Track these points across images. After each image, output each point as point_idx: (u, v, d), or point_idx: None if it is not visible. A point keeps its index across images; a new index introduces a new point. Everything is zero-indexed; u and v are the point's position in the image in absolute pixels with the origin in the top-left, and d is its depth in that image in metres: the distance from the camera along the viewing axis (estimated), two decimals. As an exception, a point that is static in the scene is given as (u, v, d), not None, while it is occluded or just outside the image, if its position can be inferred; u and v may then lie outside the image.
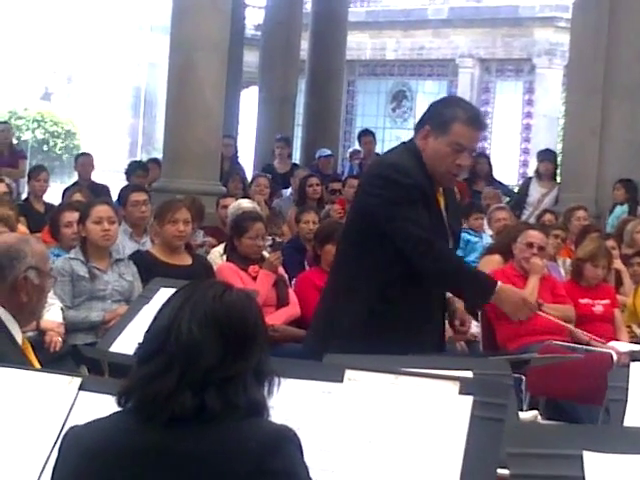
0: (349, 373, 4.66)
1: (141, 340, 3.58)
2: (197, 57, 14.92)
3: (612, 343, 9.97)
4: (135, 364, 3.56)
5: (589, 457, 3.14)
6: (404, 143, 7.22)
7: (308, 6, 26.18)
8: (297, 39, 24.44)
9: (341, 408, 4.44)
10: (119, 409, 3.55)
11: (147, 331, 3.58)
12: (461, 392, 4.52)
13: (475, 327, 10.65)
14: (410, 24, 37.65)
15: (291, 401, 4.29)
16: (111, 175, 18.88)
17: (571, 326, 10.18)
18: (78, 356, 7.94)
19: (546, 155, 18.31)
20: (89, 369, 7.57)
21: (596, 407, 8.44)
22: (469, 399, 4.47)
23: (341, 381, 4.60)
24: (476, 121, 6.61)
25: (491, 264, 11.13)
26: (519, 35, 36.80)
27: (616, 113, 14.79)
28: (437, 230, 6.52)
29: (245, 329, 3.49)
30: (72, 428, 3.65)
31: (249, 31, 29.99)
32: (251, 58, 26.07)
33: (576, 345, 9.80)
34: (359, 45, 35.05)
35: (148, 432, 3.39)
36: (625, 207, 14.45)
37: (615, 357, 9.16)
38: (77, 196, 13.10)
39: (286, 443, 3.39)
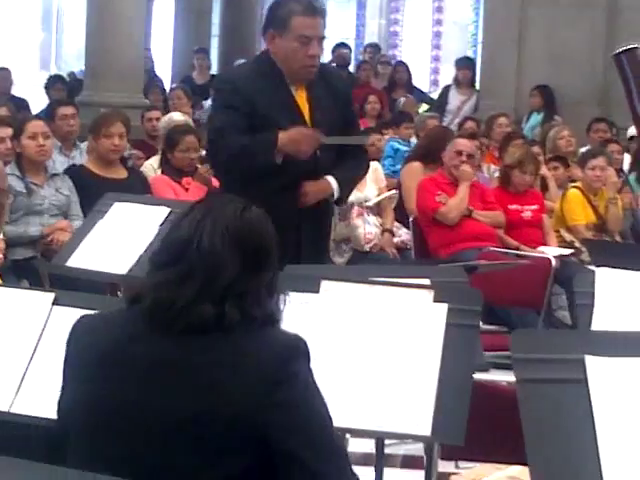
0: (325, 284, 4.70)
1: (157, 248, 3.59)
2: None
3: (541, 248, 10.10)
4: (149, 270, 3.58)
5: (591, 361, 3.19)
6: (260, 54, 7.66)
7: None
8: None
9: (318, 318, 4.48)
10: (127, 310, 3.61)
11: (164, 240, 3.61)
12: (436, 300, 4.58)
13: (405, 234, 10.75)
14: None
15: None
16: (25, 90, 18.61)
17: (500, 232, 10.33)
18: (18, 271, 8.03)
19: (464, 62, 18.30)
20: (30, 283, 7.64)
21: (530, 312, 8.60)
22: (444, 307, 4.53)
23: (317, 292, 4.64)
24: (312, 9, 6.74)
25: (412, 171, 11.23)
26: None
27: (535, 21, 14.81)
28: (282, 123, 6.57)
29: (262, 246, 3.53)
30: (81, 320, 3.65)
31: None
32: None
33: (510, 251, 9.92)
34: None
35: (164, 341, 3.42)
36: (540, 115, 14.56)
37: (554, 262, 9.29)
38: (3, 110, 12.83)
39: (297, 352, 3.44)
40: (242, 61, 19.80)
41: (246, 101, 6.56)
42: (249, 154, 6.53)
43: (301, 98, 6.68)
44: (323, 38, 6.85)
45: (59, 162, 9.88)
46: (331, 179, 6.76)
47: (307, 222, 6.66)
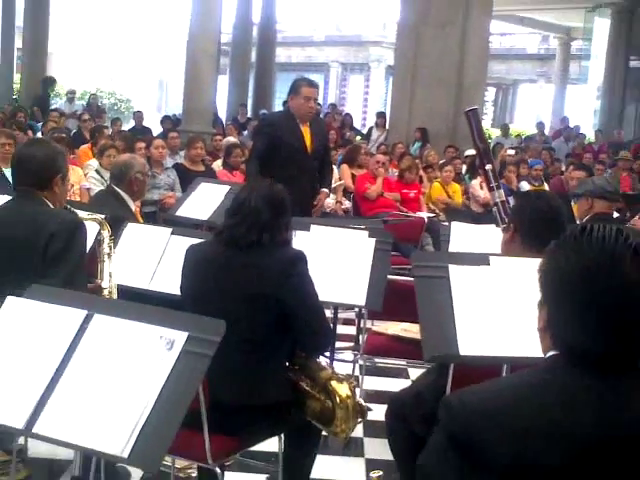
0: (313, 227, 4.67)
1: (230, 206, 3.56)
2: None
3: (419, 213, 10.00)
4: (225, 218, 3.55)
5: (451, 267, 3.16)
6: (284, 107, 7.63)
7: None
8: None
9: (309, 245, 4.31)
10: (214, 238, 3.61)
11: (232, 202, 3.57)
12: (369, 236, 4.55)
13: (348, 203, 10.65)
14: (303, 43, 37.07)
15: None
16: (150, 122, 18.36)
17: (398, 204, 10.24)
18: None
19: (380, 114, 17.94)
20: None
21: (413, 246, 8.52)
22: (373, 240, 4.50)
23: (309, 230, 4.63)
24: (312, 83, 6.71)
25: (345, 170, 11.07)
26: (362, 50, 36.32)
27: (416, 92, 14.57)
28: (295, 145, 6.48)
29: (282, 204, 3.51)
30: (189, 247, 3.61)
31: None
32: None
33: (403, 213, 9.84)
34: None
35: (230, 252, 3.43)
36: (419, 143, 14.39)
37: (425, 220, 9.22)
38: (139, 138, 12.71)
39: (301, 259, 3.44)
40: (264, 111, 20.08)
41: (272, 131, 6.50)
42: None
43: (305, 131, 6.55)
44: (317, 99, 6.81)
45: (169, 161, 9.75)
46: (325, 190, 6.84)
47: (306, 198, 6.53)
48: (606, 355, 1.69)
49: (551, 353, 1.78)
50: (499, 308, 3.06)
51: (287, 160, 6.38)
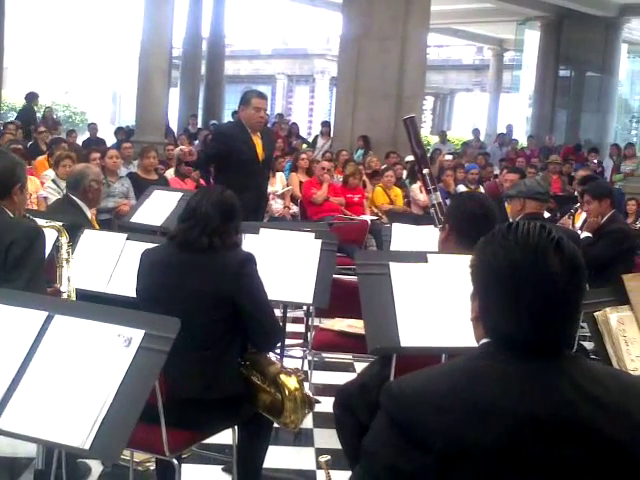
0: (262, 230, 4.67)
1: (182, 212, 3.59)
2: None
3: (362, 216, 10.05)
4: (177, 222, 3.59)
5: (392, 264, 3.20)
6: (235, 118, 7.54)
7: None
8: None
9: (259, 248, 4.34)
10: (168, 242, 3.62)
11: (184, 208, 3.59)
12: (315, 238, 4.57)
13: (295, 208, 10.68)
14: (251, 57, 36.85)
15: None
16: (104, 134, 18.18)
17: (343, 207, 10.29)
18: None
19: (325, 124, 17.90)
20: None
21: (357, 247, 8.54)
22: (319, 241, 4.52)
23: (258, 234, 4.62)
24: (261, 95, 6.70)
25: (292, 176, 11.05)
26: (307, 62, 36.31)
27: (359, 102, 14.66)
28: (247, 154, 6.43)
29: (232, 209, 3.55)
30: (144, 251, 3.63)
31: None
32: None
33: (347, 215, 9.90)
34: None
35: (183, 254, 3.45)
36: (362, 151, 14.41)
37: (369, 223, 9.27)
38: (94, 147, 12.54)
39: (250, 260, 3.48)
40: (214, 121, 19.94)
41: (224, 139, 6.49)
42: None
43: (256, 140, 6.53)
44: (266, 110, 6.78)
45: (123, 170, 9.64)
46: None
47: (260, 203, 6.58)
48: (533, 342, 1.73)
49: (483, 341, 1.82)
50: (437, 302, 3.11)
51: (239, 168, 6.34)
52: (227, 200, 3.56)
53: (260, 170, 6.65)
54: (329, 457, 2.23)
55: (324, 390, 5.30)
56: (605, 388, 1.77)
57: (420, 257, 3.31)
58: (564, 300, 1.74)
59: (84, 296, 4.12)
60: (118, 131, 16.67)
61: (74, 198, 5.47)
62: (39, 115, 18.10)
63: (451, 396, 1.72)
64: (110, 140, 15.73)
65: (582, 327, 4.24)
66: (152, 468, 3.95)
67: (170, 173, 10.31)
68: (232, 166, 6.38)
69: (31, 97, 17.67)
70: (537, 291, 1.71)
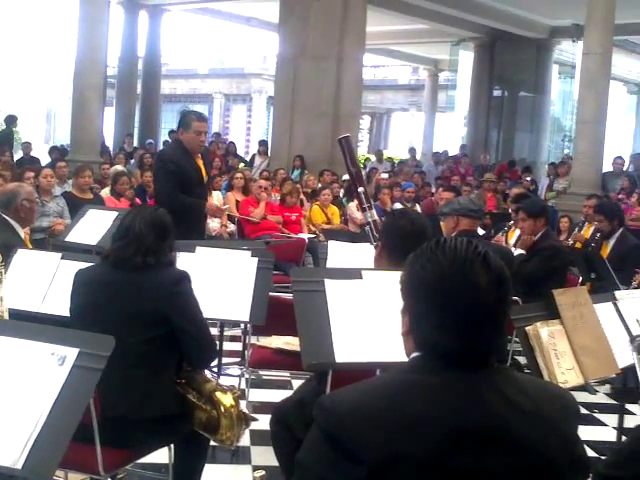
0: (198, 248, 4.66)
1: (116, 231, 3.59)
2: None
3: (300, 234, 10.07)
4: (112, 242, 3.58)
5: (327, 281, 3.23)
6: (172, 139, 7.44)
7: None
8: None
9: (194, 266, 4.38)
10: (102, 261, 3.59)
11: (118, 227, 3.59)
12: (252, 256, 4.58)
13: (233, 226, 10.64)
14: (187, 76, 36.62)
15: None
16: (38, 153, 17.90)
17: (280, 226, 10.30)
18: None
19: (263, 142, 17.87)
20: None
21: (294, 264, 8.55)
22: (256, 259, 4.53)
23: (194, 252, 4.60)
24: (202, 117, 6.57)
25: (229, 195, 10.99)
26: (244, 82, 36.26)
27: (297, 121, 14.73)
28: (194, 177, 6.35)
29: (165, 228, 3.57)
30: (78, 271, 3.61)
31: None
32: None
33: (284, 234, 9.90)
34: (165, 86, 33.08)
35: (117, 273, 3.45)
36: (299, 170, 14.41)
37: (306, 241, 9.29)
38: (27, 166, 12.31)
39: (185, 278, 3.49)
40: (150, 140, 19.90)
41: (177, 168, 6.27)
42: (191, 208, 6.27)
43: (199, 162, 6.44)
44: (206, 132, 6.64)
45: (58, 190, 9.51)
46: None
47: (202, 224, 6.60)
48: (462, 352, 1.77)
49: (414, 355, 1.86)
50: (371, 317, 3.15)
51: (187, 191, 6.28)
52: (160, 218, 3.58)
53: (204, 191, 6.64)
54: (264, 472, 2.25)
55: (261, 408, 5.29)
56: (530, 398, 1.82)
57: (355, 274, 3.35)
58: (491, 311, 1.78)
59: (18, 316, 4.07)
60: (52, 150, 16.41)
61: (6, 217, 5.39)
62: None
63: (382, 409, 1.75)
64: (44, 159, 15.52)
65: (516, 342, 4.31)
66: (87, 489, 3.91)
67: (105, 192, 10.23)
68: (182, 189, 6.28)
69: (10, 120, 17.99)
70: (465, 302, 1.75)
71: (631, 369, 3.77)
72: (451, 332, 1.77)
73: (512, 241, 7.86)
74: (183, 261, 4.42)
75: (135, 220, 3.51)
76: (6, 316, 3.96)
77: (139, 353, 3.33)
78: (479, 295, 1.75)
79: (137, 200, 10.14)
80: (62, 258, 4.59)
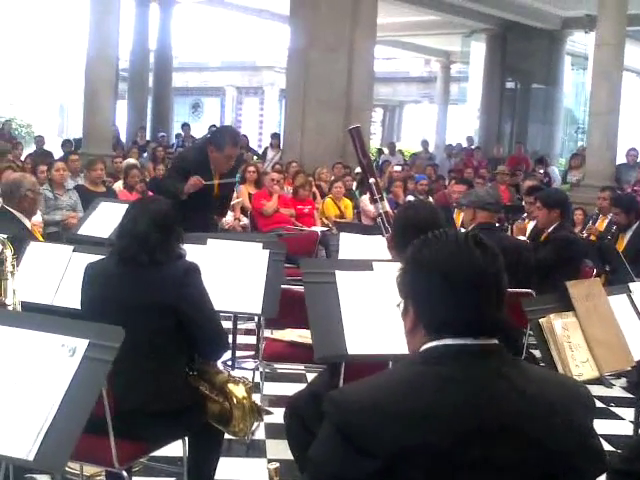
0: (209, 241, 4.69)
1: (119, 227, 3.58)
2: None
3: (313, 227, 10.10)
4: (115, 239, 3.62)
5: (338, 273, 3.25)
6: (201, 143, 7.29)
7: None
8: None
9: (206, 258, 4.41)
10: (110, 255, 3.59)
11: (120, 223, 3.58)
12: (263, 248, 4.59)
13: (245, 219, 10.66)
14: (202, 69, 36.61)
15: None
16: (51, 146, 17.91)
17: (293, 219, 10.32)
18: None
19: (275, 136, 17.74)
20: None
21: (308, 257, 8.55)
22: (267, 251, 4.56)
23: (206, 244, 4.64)
24: (236, 143, 6.51)
25: (242, 188, 11.03)
26: (256, 74, 36.22)
27: (309, 115, 14.70)
28: (205, 191, 6.26)
29: (170, 223, 3.55)
30: (88, 264, 3.60)
31: None
32: None
33: (297, 227, 9.91)
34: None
35: (126, 267, 3.45)
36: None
37: (319, 234, 9.29)
38: (41, 158, 12.30)
39: (193, 270, 3.48)
40: (163, 133, 19.84)
41: (188, 171, 6.27)
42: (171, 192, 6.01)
43: (216, 177, 6.37)
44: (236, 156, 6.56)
45: (70, 183, 9.54)
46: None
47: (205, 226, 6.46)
48: (472, 323, 1.84)
49: (425, 346, 1.87)
50: (383, 309, 3.14)
51: (195, 197, 6.23)
52: (164, 213, 3.55)
53: (213, 202, 6.56)
54: (278, 464, 2.24)
55: (276, 401, 5.30)
56: (541, 389, 1.85)
57: (366, 265, 3.36)
58: (493, 280, 1.86)
59: (30, 308, 4.09)
60: (65, 143, 16.52)
61: (10, 210, 5.38)
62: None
63: (394, 403, 1.76)
64: (57, 152, 15.57)
65: (530, 335, 4.30)
66: (102, 481, 3.93)
67: (118, 185, 10.25)
68: (189, 195, 6.25)
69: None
70: (469, 275, 1.84)
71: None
72: (460, 303, 1.83)
73: (528, 233, 7.82)
74: (194, 253, 4.39)
75: (137, 218, 3.49)
76: (19, 309, 3.97)
77: (149, 345, 3.33)
78: (479, 267, 1.84)
79: (149, 193, 10.14)
80: (74, 251, 4.63)
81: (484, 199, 5.62)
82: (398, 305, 1.97)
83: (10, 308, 3.91)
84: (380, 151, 21.24)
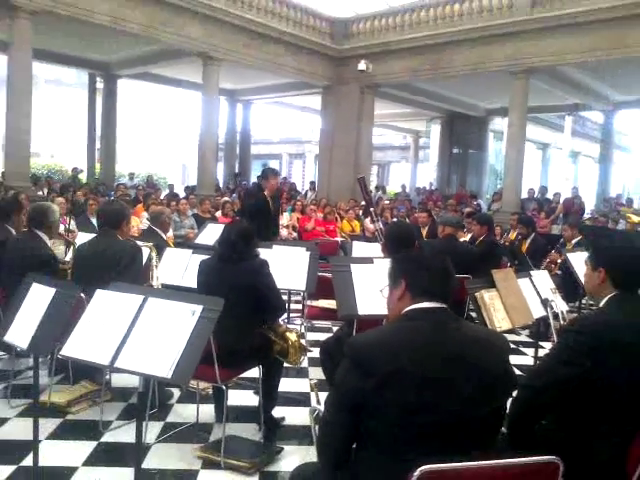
0: (275, 246, 4.59)
1: (220, 238, 3.42)
2: None
3: (336, 238, 9.99)
4: (217, 246, 3.50)
5: (353, 266, 3.21)
6: (257, 184, 7.14)
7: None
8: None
9: (273, 258, 4.12)
10: (214, 255, 3.45)
11: (221, 235, 3.41)
12: (307, 251, 4.44)
13: (295, 233, 10.50)
14: (268, 143, 36.25)
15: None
16: None
17: (324, 232, 10.24)
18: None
19: (312, 183, 17.49)
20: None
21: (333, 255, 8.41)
22: (309, 252, 4.43)
23: (271, 248, 4.52)
24: (276, 174, 6.40)
25: (293, 215, 10.75)
26: (301, 146, 35.87)
27: (333, 172, 14.69)
28: (264, 209, 6.12)
29: (250, 236, 3.44)
30: (201, 261, 3.40)
31: None
32: None
33: (326, 238, 9.81)
34: (253, 149, 32.04)
35: (223, 263, 3.36)
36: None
37: (339, 242, 9.22)
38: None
39: (266, 264, 3.39)
40: (244, 182, 19.10)
41: (255, 201, 6.24)
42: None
43: (269, 200, 6.25)
44: (278, 182, 6.42)
45: (190, 212, 9.11)
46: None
47: (268, 236, 6.34)
48: (439, 292, 1.87)
49: (406, 309, 1.87)
50: (379, 286, 3.10)
51: (259, 215, 6.12)
52: (246, 230, 3.46)
53: (270, 217, 6.41)
54: (316, 380, 2.24)
55: (314, 344, 5.23)
56: (480, 334, 1.87)
57: (369, 260, 3.33)
58: (448, 266, 1.92)
59: (167, 287, 4.10)
60: (186, 188, 16.49)
61: (155, 228, 5.38)
62: (125, 178, 17.54)
63: (387, 343, 1.76)
64: (181, 193, 15.62)
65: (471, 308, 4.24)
66: (210, 392, 3.92)
67: (219, 214, 10.27)
68: (255, 214, 6.14)
69: (76, 171, 15.96)
70: (438, 265, 1.91)
71: (541, 319, 3.71)
72: (433, 280, 1.89)
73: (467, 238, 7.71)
74: (265, 254, 4.34)
75: (231, 232, 3.42)
76: (160, 287, 3.99)
77: (240, 311, 3.27)
78: (443, 262, 1.92)
79: (237, 218, 10.13)
80: (193, 253, 4.61)
81: (450, 220, 5.56)
82: (381, 291, 2.03)
83: (155, 287, 3.94)
84: (377, 189, 21.14)
